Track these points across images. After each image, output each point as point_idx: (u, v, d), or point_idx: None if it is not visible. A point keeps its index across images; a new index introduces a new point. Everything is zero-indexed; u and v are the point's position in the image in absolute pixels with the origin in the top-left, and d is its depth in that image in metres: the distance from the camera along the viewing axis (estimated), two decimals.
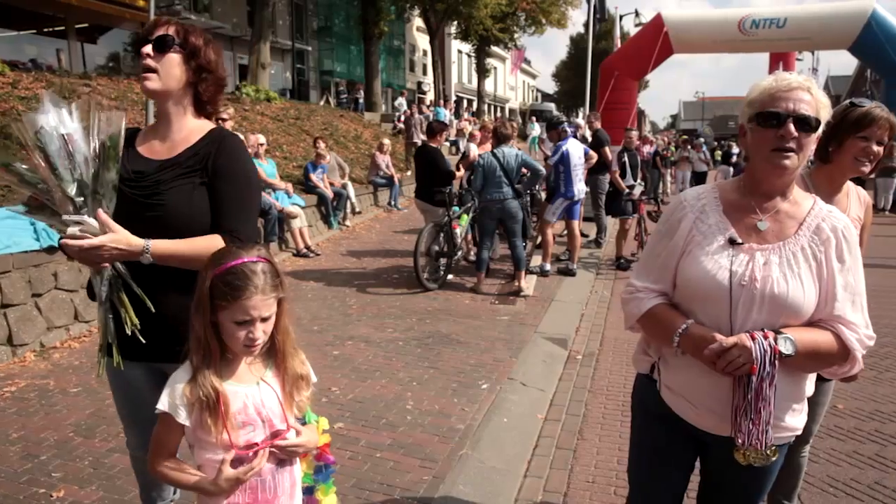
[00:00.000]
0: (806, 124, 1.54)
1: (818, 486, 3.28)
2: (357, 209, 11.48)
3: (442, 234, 7.07)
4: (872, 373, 4.79)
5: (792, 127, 1.54)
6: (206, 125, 2.00)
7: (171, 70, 1.86)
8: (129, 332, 1.77)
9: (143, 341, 1.79)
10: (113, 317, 1.79)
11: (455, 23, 31.26)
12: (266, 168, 8.35)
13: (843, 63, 59.75)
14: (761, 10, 14.91)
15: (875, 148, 2.16)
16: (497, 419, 3.85)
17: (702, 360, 1.55)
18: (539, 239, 8.06)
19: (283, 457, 1.62)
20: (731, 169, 17.36)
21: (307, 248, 8.66)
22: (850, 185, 2.39)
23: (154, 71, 1.84)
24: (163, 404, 1.53)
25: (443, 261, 7.15)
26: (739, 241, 1.60)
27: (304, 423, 1.71)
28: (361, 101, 22.72)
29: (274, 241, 8.31)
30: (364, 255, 8.76)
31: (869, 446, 3.71)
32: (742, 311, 1.57)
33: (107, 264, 1.72)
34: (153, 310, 1.78)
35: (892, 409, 4.18)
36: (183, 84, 1.91)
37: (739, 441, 1.57)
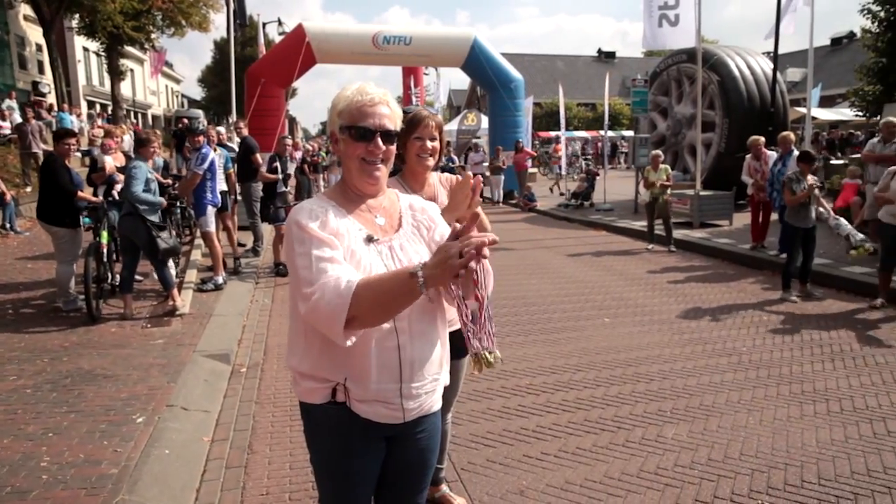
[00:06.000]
0: (390, 137, 1.75)
1: (463, 444, 3.81)
2: None
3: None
4: (496, 339, 5.73)
5: (380, 141, 1.72)
6: None
7: None
8: None
9: None
10: None
11: (76, 16, 27.37)
12: None
13: (462, 79, 70.32)
14: (391, 27, 16.50)
15: (429, 144, 2.55)
16: (157, 452, 3.55)
17: (452, 271, 1.42)
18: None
19: None
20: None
21: None
22: (436, 181, 2.77)
23: None
24: None
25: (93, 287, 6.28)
26: (376, 237, 1.76)
27: None
28: None
29: None
30: None
31: (497, 401, 4.44)
32: None
33: None
34: None
35: (513, 367, 5.07)
36: None
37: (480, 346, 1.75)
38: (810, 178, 6.92)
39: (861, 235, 6.68)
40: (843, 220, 6.87)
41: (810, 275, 7.28)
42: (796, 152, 8.37)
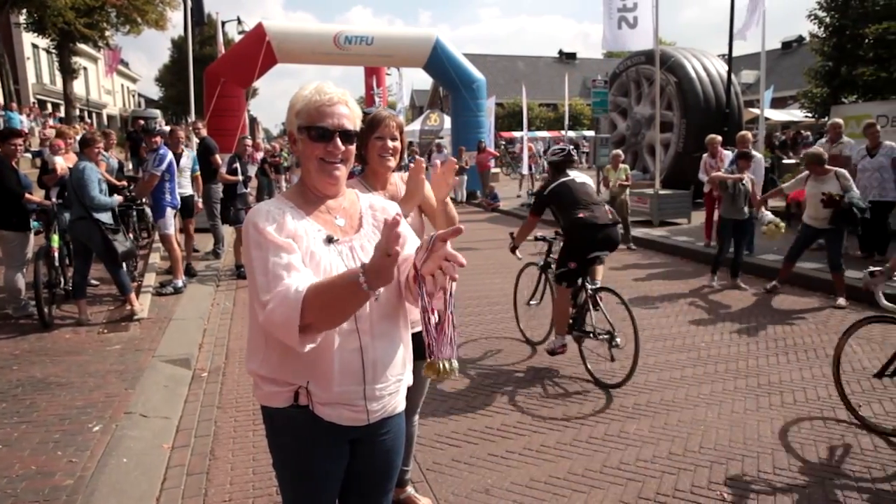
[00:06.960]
0: (349, 137, 1.73)
1: (428, 444, 3.82)
2: None
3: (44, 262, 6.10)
4: (461, 339, 5.76)
5: (339, 141, 1.71)
6: None
7: None
8: None
9: None
10: None
11: (24, 11, 26.42)
12: None
13: (424, 79, 70.10)
14: (353, 27, 16.38)
15: (390, 143, 2.56)
16: (115, 462, 3.46)
17: (388, 264, 1.38)
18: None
19: None
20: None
21: None
22: (398, 180, 2.77)
23: None
24: None
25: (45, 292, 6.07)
26: (336, 237, 1.74)
27: None
28: None
29: None
30: None
31: (461, 401, 4.45)
32: None
33: None
34: None
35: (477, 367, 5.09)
36: None
37: (438, 355, 1.65)
38: (746, 176, 7.49)
39: (771, 216, 6.97)
40: (769, 215, 7.13)
41: (741, 268, 7.77)
42: (755, 154, 8.78)
